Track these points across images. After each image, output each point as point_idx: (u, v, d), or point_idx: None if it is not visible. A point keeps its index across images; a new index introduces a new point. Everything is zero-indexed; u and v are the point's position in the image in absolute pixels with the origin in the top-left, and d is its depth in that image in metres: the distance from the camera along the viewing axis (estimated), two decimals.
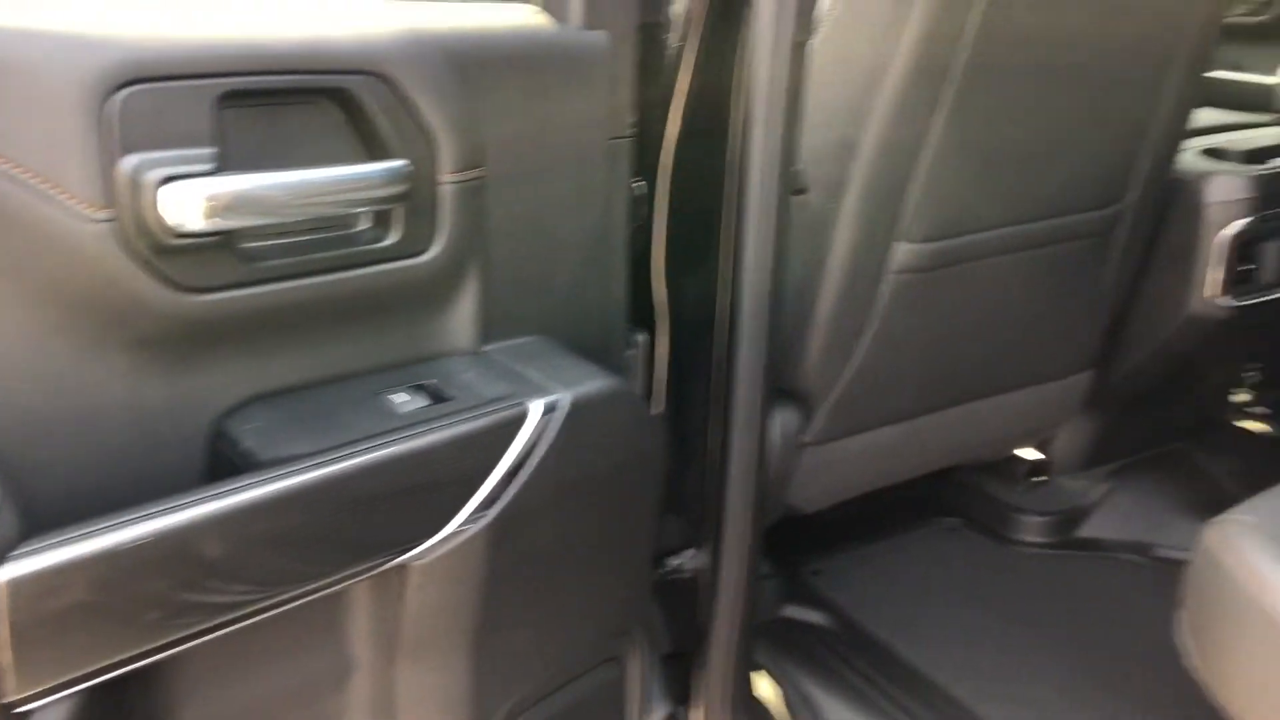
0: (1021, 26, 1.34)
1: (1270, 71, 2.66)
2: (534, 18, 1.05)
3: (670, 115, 1.23)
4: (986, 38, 1.31)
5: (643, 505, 1.11)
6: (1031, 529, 1.96)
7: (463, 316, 1.00)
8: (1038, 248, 1.57)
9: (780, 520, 1.70)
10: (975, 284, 1.54)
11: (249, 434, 0.87)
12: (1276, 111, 2.67)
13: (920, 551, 1.93)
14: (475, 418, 0.92)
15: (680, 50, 1.20)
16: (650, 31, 1.15)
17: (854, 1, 1.33)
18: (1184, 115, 1.62)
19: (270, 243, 0.87)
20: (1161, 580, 1.84)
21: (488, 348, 1.03)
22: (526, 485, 0.94)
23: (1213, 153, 1.80)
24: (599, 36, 1.05)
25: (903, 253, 1.45)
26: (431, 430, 0.89)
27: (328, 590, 0.86)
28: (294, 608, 0.84)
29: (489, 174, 0.97)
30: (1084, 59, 1.44)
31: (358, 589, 0.92)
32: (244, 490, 0.80)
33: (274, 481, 0.81)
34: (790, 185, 1.21)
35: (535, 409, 0.95)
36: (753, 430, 1.28)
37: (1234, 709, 1.11)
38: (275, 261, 0.86)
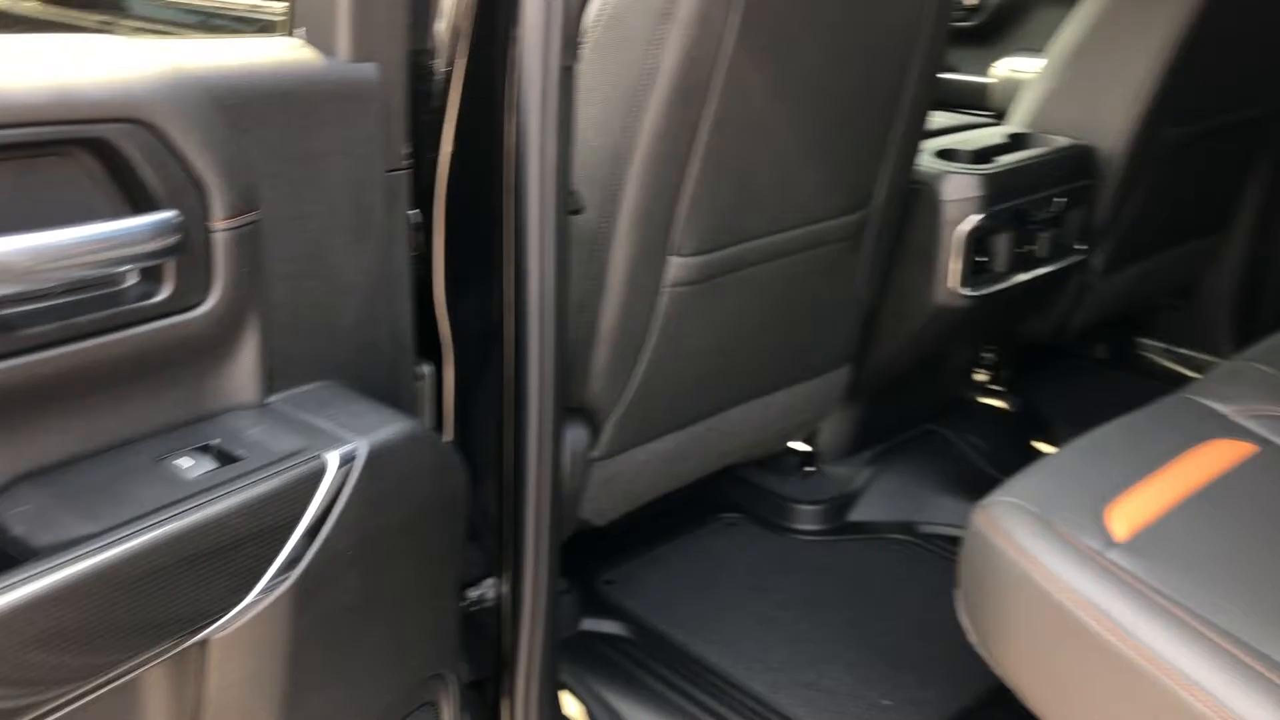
0: (773, 44, 1.40)
1: (983, 72, 2.89)
2: (299, 51, 1.00)
3: (442, 143, 1.21)
4: (742, 56, 1.36)
5: (448, 545, 1.09)
6: (806, 517, 2.05)
7: (245, 368, 0.95)
8: (797, 253, 1.65)
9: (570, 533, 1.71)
10: (744, 292, 1.60)
11: (19, 519, 0.79)
12: (990, 109, 2.91)
13: (705, 549, 1.99)
14: (268, 477, 0.88)
15: (448, 76, 1.18)
16: (419, 59, 1.12)
17: (615, 23, 1.35)
18: (921, 120, 1.73)
19: (25, 309, 0.79)
20: (926, 555, 1.98)
21: (274, 399, 0.98)
22: (328, 542, 0.90)
23: (945, 154, 1.94)
24: (368, 68, 1.02)
25: (676, 267, 1.49)
26: (222, 496, 0.84)
27: (121, 680, 0.79)
28: (83, 704, 0.77)
29: (264, 217, 0.93)
30: (828, 75, 1.52)
31: (154, 671, 0.86)
32: (18, 585, 0.72)
33: (52, 571, 0.74)
34: (568, 205, 1.22)
35: (332, 461, 0.92)
36: (546, 452, 1.28)
37: (1012, 678, 1.20)
38: (32, 330, 0.79)
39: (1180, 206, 2.36)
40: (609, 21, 1.36)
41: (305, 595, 0.90)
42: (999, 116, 2.54)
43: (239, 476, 0.86)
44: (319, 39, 1.01)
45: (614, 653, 1.74)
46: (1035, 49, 2.96)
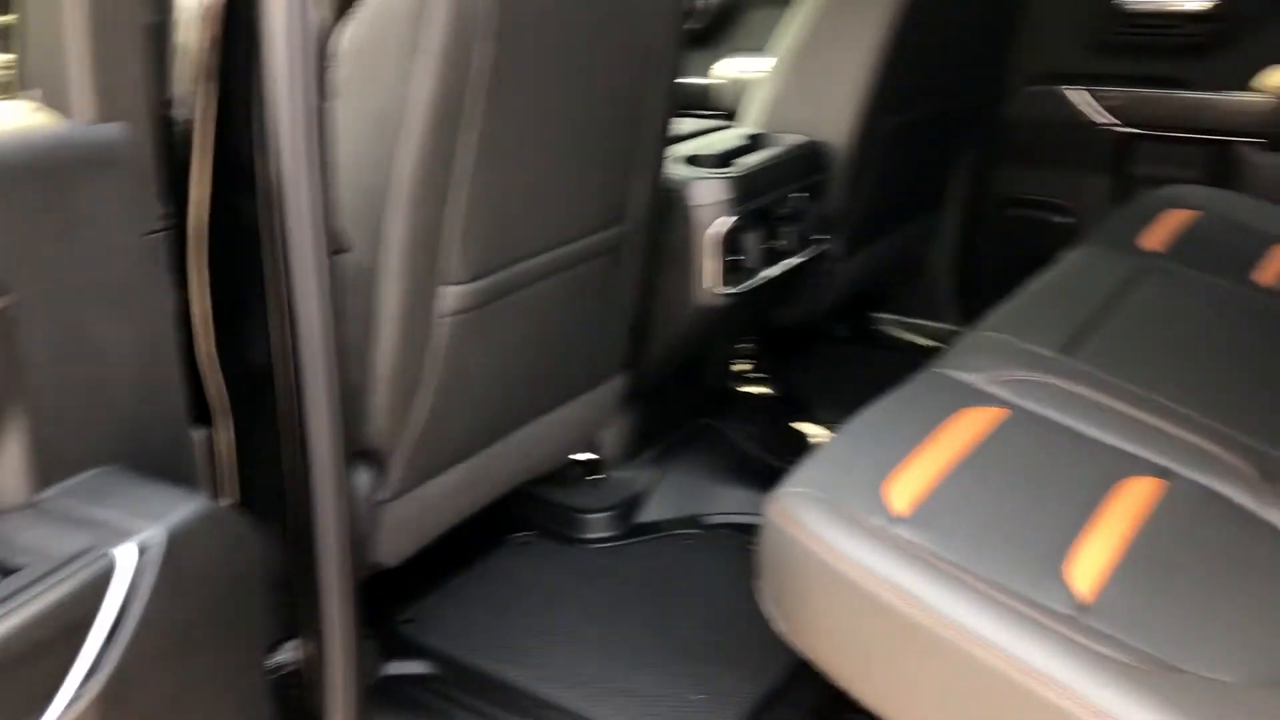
0: (526, 69, 1.41)
1: (705, 73, 3.01)
2: (34, 116, 0.92)
3: (194, 196, 1.15)
4: (496, 83, 1.36)
5: (252, 619, 1.04)
6: (597, 526, 2.08)
7: (10, 467, 0.87)
8: (565, 270, 1.67)
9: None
10: (519, 314, 1.60)
11: None
12: (714, 108, 3.03)
13: (501, 572, 1.98)
14: (55, 584, 0.81)
15: (198, 126, 1.12)
16: (166, 112, 1.06)
17: (362, 58, 1.33)
18: (666, 129, 1.79)
19: None
20: (717, 545, 2.05)
21: (47, 494, 0.90)
22: (132, 643, 0.84)
23: (692, 160, 2.01)
24: (112, 129, 0.95)
25: (449, 296, 1.47)
26: (4, 613, 0.77)
27: None
28: None
29: (16, 300, 0.85)
30: (579, 94, 1.54)
31: None
32: None
33: None
34: (333, 245, 1.18)
35: (123, 556, 0.85)
36: (336, 502, 1.24)
37: (822, 661, 1.27)
38: None
39: (903, 190, 2.54)
40: (356, 56, 1.33)
41: (111, 703, 0.83)
42: (728, 117, 2.66)
43: (20, 590, 0.79)
44: (55, 100, 0.93)
45: (423, 693, 1.70)
46: (754, 49, 3.11)
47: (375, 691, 1.66)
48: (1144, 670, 1.09)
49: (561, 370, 1.80)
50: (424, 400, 1.52)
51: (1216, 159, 2.57)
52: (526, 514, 2.09)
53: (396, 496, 1.58)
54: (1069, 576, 1.21)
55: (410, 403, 1.50)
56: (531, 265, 1.58)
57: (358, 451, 1.50)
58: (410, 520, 1.63)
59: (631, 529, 2.08)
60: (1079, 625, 1.15)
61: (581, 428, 1.93)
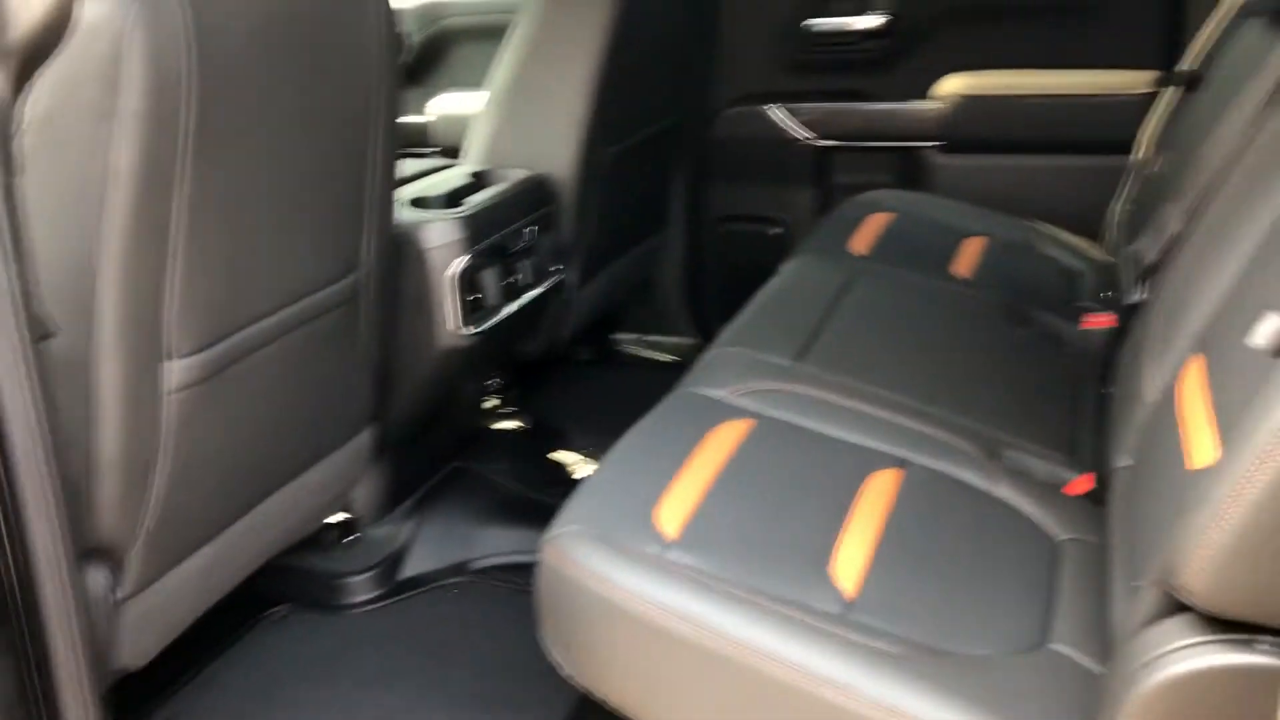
0: (237, 125, 1.34)
1: (418, 111, 2.97)
2: None
3: None
4: (206, 143, 1.29)
5: None
6: (359, 589, 1.99)
7: None
8: (299, 328, 1.59)
9: None
10: (256, 379, 1.52)
11: None
12: (431, 147, 3.00)
13: (261, 652, 1.86)
14: None
15: None
16: None
17: (46, 127, 1.21)
18: (392, 172, 1.75)
19: None
20: (487, 590, 2.01)
21: None
22: None
23: (419, 202, 1.97)
24: None
25: (175, 371, 1.37)
26: None
27: None
28: None
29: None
30: (297, 145, 1.48)
31: None
32: None
33: None
34: (37, 331, 1.08)
35: None
36: (68, 608, 1.12)
37: (616, 701, 1.26)
38: None
39: (628, 215, 2.60)
40: (39, 126, 1.21)
41: None
42: (446, 155, 2.64)
43: None
44: None
45: None
46: (466, 85, 3.10)
47: None
48: (912, 658, 1.16)
49: (307, 431, 1.71)
50: (158, 484, 1.41)
51: (905, 164, 2.78)
52: (279, 586, 1.98)
53: (138, 591, 1.45)
54: (834, 575, 1.27)
55: (143, 489, 1.39)
56: (265, 326, 1.49)
57: (88, 549, 1.37)
58: (154, 615, 1.50)
59: (396, 586, 2.01)
60: (848, 622, 1.20)
61: (334, 489, 1.85)
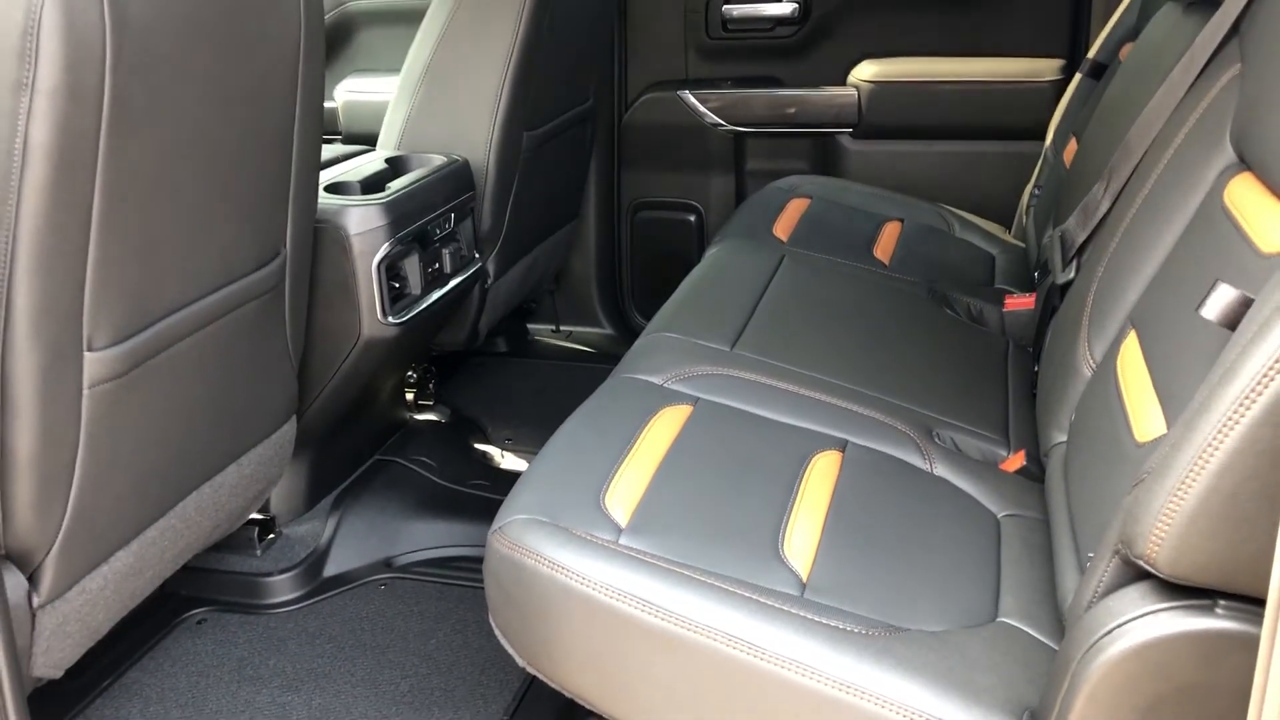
0: (155, 106, 1.27)
1: (329, 96, 2.88)
2: None
3: None
4: (124, 122, 1.22)
5: None
6: (281, 589, 1.93)
7: None
8: (223, 317, 1.53)
9: None
10: (176, 372, 1.45)
11: None
12: (340, 132, 2.93)
13: (180, 658, 1.79)
14: None
15: None
16: None
17: None
18: (317, 157, 1.68)
19: None
20: (414, 585, 1.96)
21: None
22: None
23: (335, 188, 1.90)
24: None
25: (94, 363, 1.30)
26: None
27: None
28: None
29: None
30: (217, 127, 1.41)
31: None
32: None
33: None
34: None
35: None
36: None
37: (573, 688, 1.24)
38: None
39: (546, 202, 2.56)
40: None
41: None
42: (352, 140, 2.57)
43: None
44: None
45: None
46: (370, 69, 3.03)
47: None
48: (871, 636, 1.16)
49: (228, 427, 1.64)
50: (74, 485, 1.33)
51: (819, 149, 2.81)
52: (197, 589, 1.90)
53: (54, 599, 1.37)
54: (787, 557, 1.26)
55: (57, 492, 1.31)
56: (187, 314, 1.43)
57: (2, 554, 1.29)
58: (73, 622, 1.42)
59: (319, 585, 1.95)
60: (805, 602, 1.20)
61: (255, 486, 1.78)
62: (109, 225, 1.24)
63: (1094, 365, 1.40)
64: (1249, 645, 0.78)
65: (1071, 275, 1.63)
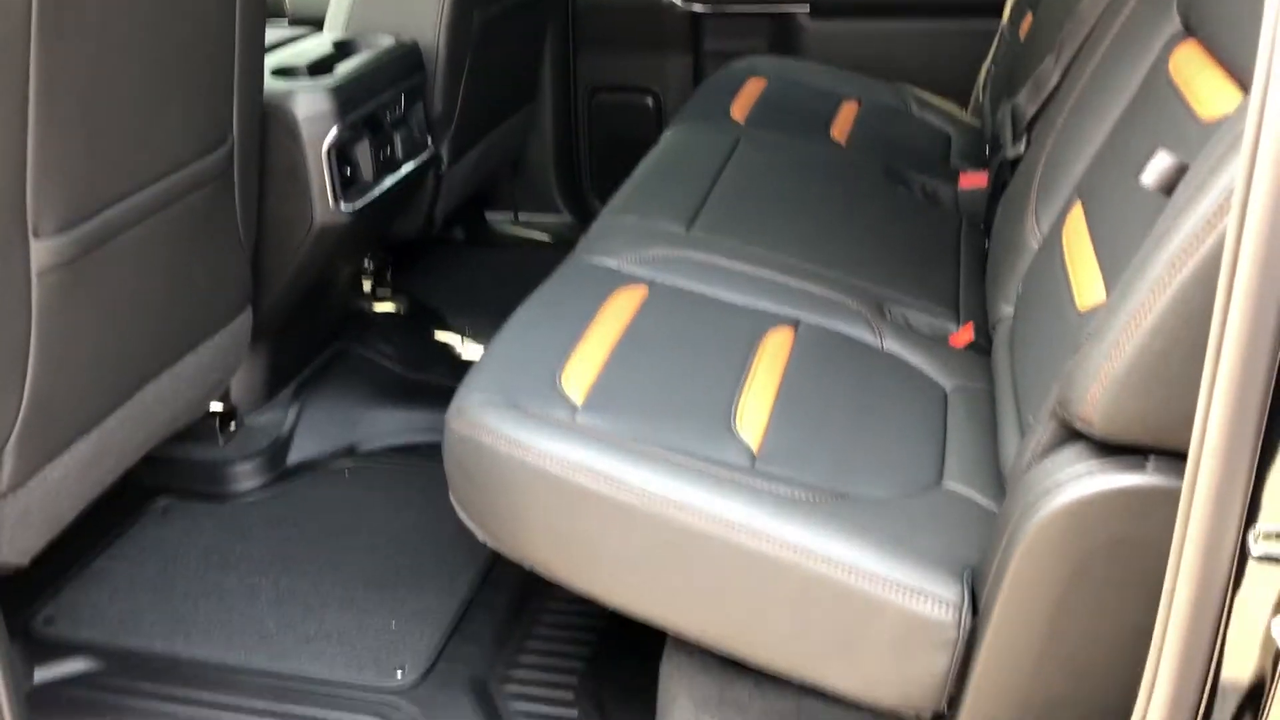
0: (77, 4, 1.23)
1: None
2: None
3: None
4: (56, 6, 1.18)
5: None
6: (244, 476, 1.95)
7: None
8: (172, 204, 1.51)
9: None
10: (125, 260, 1.43)
11: None
12: (285, 15, 2.84)
13: (147, 545, 1.81)
14: None
15: None
16: None
17: None
18: (261, 39, 1.65)
19: None
20: (378, 471, 1.99)
21: None
22: None
23: (283, 72, 1.86)
24: None
25: (41, 251, 1.29)
26: None
27: None
28: None
29: None
30: (158, 8, 1.38)
31: None
32: None
33: None
34: None
35: None
36: None
37: (535, 560, 1.27)
38: None
39: (499, 85, 2.52)
40: None
41: None
42: (299, 22, 2.49)
43: None
44: None
45: (87, 693, 1.54)
46: None
47: (30, 706, 1.47)
48: (819, 503, 1.20)
49: (182, 316, 1.63)
50: (28, 374, 1.33)
51: (776, 29, 2.77)
52: (161, 478, 1.92)
53: (15, 487, 1.38)
54: (739, 430, 1.29)
55: (12, 379, 1.31)
56: (135, 202, 1.41)
57: None
58: (36, 510, 1.43)
59: (283, 473, 1.97)
60: (756, 472, 1.23)
61: (213, 375, 1.78)
62: (48, 118, 1.22)
63: (1041, 238, 1.42)
64: (1177, 499, 0.81)
65: (1022, 150, 1.64)
